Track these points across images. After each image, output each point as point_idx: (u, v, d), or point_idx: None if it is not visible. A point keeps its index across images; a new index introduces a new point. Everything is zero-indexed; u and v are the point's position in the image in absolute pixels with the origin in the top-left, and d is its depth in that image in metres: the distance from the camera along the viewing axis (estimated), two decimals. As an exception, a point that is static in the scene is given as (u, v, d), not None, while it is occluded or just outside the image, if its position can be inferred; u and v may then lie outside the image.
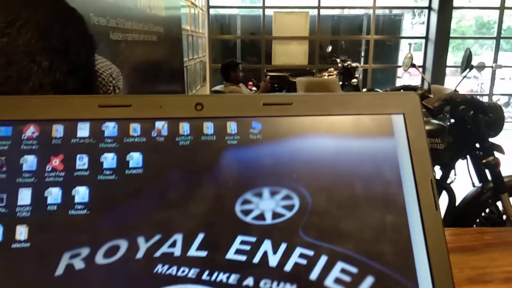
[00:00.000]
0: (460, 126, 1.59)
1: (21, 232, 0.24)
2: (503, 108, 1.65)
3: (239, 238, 0.25)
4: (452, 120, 1.64)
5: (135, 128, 0.26)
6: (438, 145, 1.56)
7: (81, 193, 0.25)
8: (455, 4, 5.42)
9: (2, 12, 0.35)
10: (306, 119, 0.28)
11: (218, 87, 3.59)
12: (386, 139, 0.28)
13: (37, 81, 0.35)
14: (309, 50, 5.64)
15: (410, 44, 7.71)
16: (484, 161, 1.55)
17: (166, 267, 0.24)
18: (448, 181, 1.69)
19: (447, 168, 1.67)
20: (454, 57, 6.56)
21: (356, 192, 0.26)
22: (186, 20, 3.75)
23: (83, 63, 0.41)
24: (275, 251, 0.25)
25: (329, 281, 0.24)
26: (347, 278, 0.24)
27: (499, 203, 1.63)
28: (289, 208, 0.26)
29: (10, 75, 0.34)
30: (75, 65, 0.39)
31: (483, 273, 0.43)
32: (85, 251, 0.24)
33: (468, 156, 1.63)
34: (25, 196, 0.24)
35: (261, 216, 0.25)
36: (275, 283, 0.24)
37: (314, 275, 0.24)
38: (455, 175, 1.69)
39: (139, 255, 0.24)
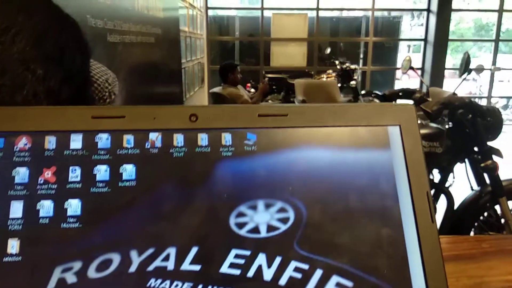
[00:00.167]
0: (458, 130, 1.59)
1: (13, 246, 0.24)
2: (501, 111, 1.66)
3: (233, 252, 0.25)
4: (451, 124, 1.64)
5: (128, 140, 0.26)
6: (436, 148, 1.57)
7: (74, 206, 0.24)
8: (453, 6, 5.44)
9: None
10: (302, 130, 0.27)
11: (216, 89, 3.58)
12: (382, 151, 0.27)
13: (31, 90, 0.35)
14: (307, 51, 5.65)
15: (409, 46, 7.73)
16: (482, 165, 1.55)
17: (159, 281, 0.24)
18: (447, 184, 1.69)
19: (446, 171, 1.67)
20: (453, 59, 6.58)
21: (352, 205, 0.26)
22: (184, 22, 3.75)
23: (78, 70, 0.40)
24: (269, 265, 0.25)
25: (324, 295, 0.24)
26: (342, 293, 0.24)
27: (497, 207, 1.63)
28: (284, 221, 0.26)
29: (4, 83, 0.33)
30: (70, 72, 0.38)
31: (480, 282, 0.43)
32: (77, 265, 0.24)
33: (466, 160, 1.64)
34: (17, 209, 0.24)
35: (255, 229, 0.25)
36: (269, 298, 0.24)
37: (309, 289, 0.24)
38: (454, 178, 1.69)
39: (132, 269, 0.24)
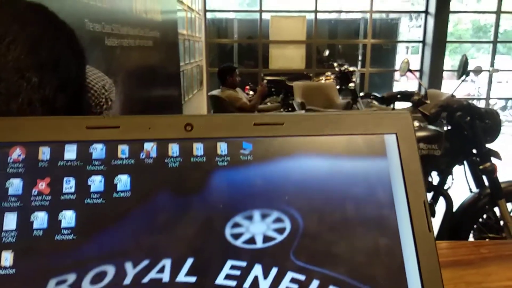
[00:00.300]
0: (457, 132, 1.59)
1: (6, 258, 0.23)
2: (499, 112, 1.66)
3: (229, 263, 0.24)
4: (449, 126, 1.64)
5: (123, 150, 0.26)
6: (435, 151, 1.56)
7: (68, 218, 0.24)
8: (451, 8, 5.45)
9: None
10: (298, 139, 0.27)
11: (214, 92, 3.59)
12: (378, 160, 0.27)
13: (27, 98, 0.35)
14: (306, 54, 5.66)
15: (407, 48, 7.74)
16: (481, 167, 1.55)
17: (154, 293, 0.24)
18: (445, 187, 1.68)
19: (444, 174, 1.67)
20: (451, 60, 6.59)
21: (348, 215, 0.26)
22: (183, 24, 3.75)
23: (74, 78, 0.40)
24: (266, 276, 0.24)
25: (320, 306, 0.24)
26: (339, 304, 0.24)
27: (496, 209, 1.63)
28: (280, 231, 0.25)
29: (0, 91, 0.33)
30: (66, 80, 0.38)
31: (478, 289, 0.43)
32: (71, 277, 0.23)
33: (465, 162, 1.63)
34: (10, 221, 0.24)
35: (251, 240, 0.25)
36: (265, 309, 0.24)
37: (305, 300, 0.24)
38: (453, 180, 1.69)
39: (127, 281, 0.24)
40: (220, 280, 0.24)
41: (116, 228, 0.24)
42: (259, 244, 0.25)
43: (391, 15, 6.65)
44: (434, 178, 1.70)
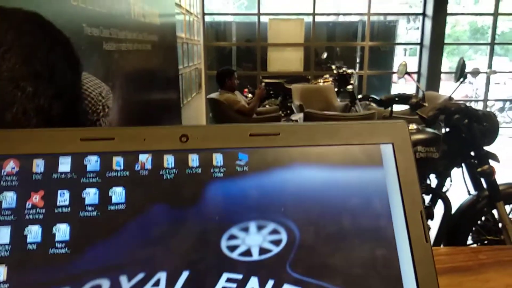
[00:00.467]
0: (455, 135, 1.60)
1: (0, 273, 0.23)
2: (497, 114, 1.66)
3: (225, 276, 0.24)
4: (447, 129, 1.64)
5: (118, 162, 0.26)
6: (433, 153, 1.56)
7: (62, 231, 0.24)
8: (449, 10, 5.47)
9: None
10: (294, 150, 0.27)
11: (213, 95, 3.58)
12: (375, 170, 0.27)
13: (21, 107, 0.34)
14: (304, 56, 5.67)
15: (405, 50, 7.77)
16: (479, 169, 1.55)
17: (149, 307, 0.23)
18: (444, 189, 1.68)
19: (443, 176, 1.67)
20: (449, 62, 6.61)
21: (345, 226, 0.26)
22: (181, 28, 3.75)
23: (70, 86, 0.40)
24: (262, 289, 0.24)
25: (317, 319, 0.24)
26: (335, 316, 0.24)
27: (494, 211, 1.63)
28: (277, 243, 0.25)
29: (-6, 102, 0.33)
30: (61, 89, 0.38)
31: (477, 296, 0.42)
32: (65, 292, 0.23)
33: (463, 165, 1.64)
34: (4, 235, 0.24)
35: (247, 252, 0.25)
36: (261, 323, 0.23)
37: (302, 313, 0.24)
38: (451, 182, 1.69)
39: (122, 295, 0.23)
40: (216, 293, 0.24)
41: (111, 241, 0.24)
42: (255, 256, 0.25)
43: (389, 18, 6.67)
44: (433, 180, 1.70)
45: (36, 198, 0.24)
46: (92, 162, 0.25)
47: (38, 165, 0.25)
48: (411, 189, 0.27)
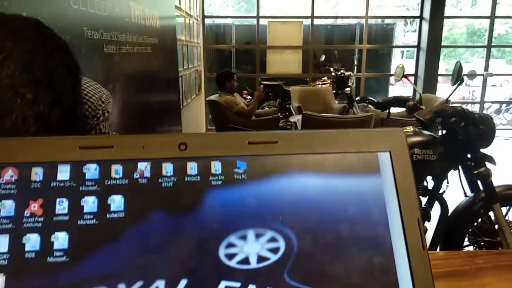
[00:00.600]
0: (451, 137, 1.60)
1: (-2, 281, 0.23)
2: (494, 116, 1.67)
3: (223, 284, 0.24)
4: (444, 131, 1.64)
5: (116, 170, 0.26)
6: (430, 156, 1.57)
7: (61, 239, 0.24)
8: (446, 13, 5.50)
9: None
10: (292, 158, 0.27)
11: (213, 97, 3.59)
12: (372, 178, 0.27)
13: (21, 114, 0.34)
14: (303, 59, 5.68)
15: (402, 52, 7.79)
16: (475, 172, 1.56)
17: (147, 315, 0.23)
18: (440, 191, 1.69)
19: (439, 178, 1.67)
20: (446, 64, 6.64)
21: (343, 234, 0.26)
22: (181, 30, 3.76)
23: (69, 92, 0.40)
24: (260, 297, 0.24)
25: (315, 327, 0.24)
26: (333, 324, 0.24)
27: (491, 213, 1.64)
28: (275, 251, 0.25)
29: (-8, 108, 0.33)
30: (60, 95, 0.38)
31: (473, 301, 0.43)
32: (64, 300, 0.23)
33: (460, 167, 1.64)
34: (2, 244, 0.24)
35: (245, 260, 0.25)
36: (259, 331, 0.24)
37: (299, 321, 0.24)
38: (448, 184, 1.70)
39: (120, 303, 0.23)
40: (214, 301, 0.24)
41: (109, 249, 0.24)
42: (253, 264, 0.25)
43: (386, 21, 6.70)
44: (429, 182, 1.71)
45: (34, 207, 0.24)
46: (91, 170, 0.25)
47: (37, 173, 0.25)
48: (408, 197, 0.27)
